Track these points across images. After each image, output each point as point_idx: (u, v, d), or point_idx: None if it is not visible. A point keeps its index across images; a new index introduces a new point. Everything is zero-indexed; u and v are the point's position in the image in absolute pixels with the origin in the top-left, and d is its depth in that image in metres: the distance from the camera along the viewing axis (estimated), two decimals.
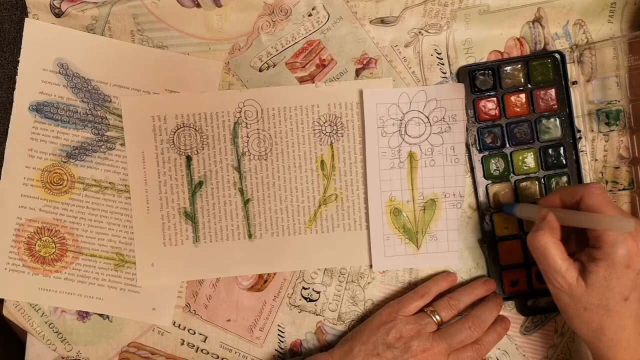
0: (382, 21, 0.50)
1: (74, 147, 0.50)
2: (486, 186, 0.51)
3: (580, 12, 0.51)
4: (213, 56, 0.50)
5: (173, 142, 0.50)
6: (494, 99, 0.51)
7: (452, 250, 0.52)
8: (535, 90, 0.51)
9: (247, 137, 0.50)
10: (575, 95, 0.52)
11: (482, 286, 0.50)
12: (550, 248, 0.41)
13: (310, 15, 0.50)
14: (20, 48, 0.49)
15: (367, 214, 0.51)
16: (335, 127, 0.51)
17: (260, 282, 0.52)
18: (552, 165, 0.51)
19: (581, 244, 0.43)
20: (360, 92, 0.50)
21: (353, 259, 0.52)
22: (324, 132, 0.51)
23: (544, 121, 0.51)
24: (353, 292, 0.52)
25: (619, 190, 0.52)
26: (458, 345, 0.47)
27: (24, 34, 0.49)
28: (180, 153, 0.50)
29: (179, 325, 0.52)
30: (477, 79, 0.51)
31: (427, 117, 0.51)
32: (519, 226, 0.51)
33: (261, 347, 0.52)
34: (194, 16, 0.49)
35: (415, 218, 0.52)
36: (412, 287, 0.52)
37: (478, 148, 0.51)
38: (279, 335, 0.52)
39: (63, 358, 0.52)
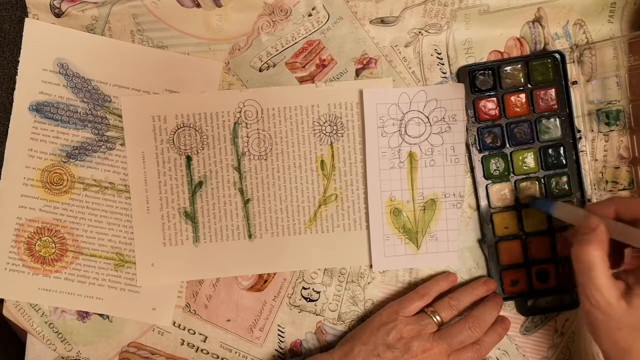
0: (382, 21, 0.50)
1: (74, 147, 0.50)
2: (486, 186, 0.51)
3: (580, 12, 0.51)
4: (213, 56, 0.50)
5: (173, 142, 0.50)
6: (494, 99, 0.51)
7: (452, 250, 0.52)
8: (535, 90, 0.51)
9: (247, 137, 0.50)
10: (575, 95, 0.52)
11: (482, 286, 0.50)
12: (597, 264, 0.39)
13: (310, 15, 0.50)
14: (20, 48, 0.49)
15: (367, 214, 0.51)
16: (335, 127, 0.51)
17: (260, 282, 0.52)
18: (552, 165, 0.51)
19: (617, 257, 0.42)
20: (360, 92, 0.50)
21: (353, 259, 0.52)
22: (324, 132, 0.51)
23: (544, 121, 0.51)
24: (353, 292, 0.52)
25: (619, 190, 0.52)
26: (458, 345, 0.47)
27: (24, 34, 0.49)
28: (180, 153, 0.50)
29: (179, 325, 0.52)
30: (477, 79, 0.51)
31: (427, 117, 0.51)
32: (519, 226, 0.51)
33: (261, 347, 0.52)
34: (194, 16, 0.49)
35: (415, 218, 0.52)
36: (412, 287, 0.52)
37: (478, 148, 0.51)
38: (279, 335, 0.52)
39: (63, 358, 0.52)
